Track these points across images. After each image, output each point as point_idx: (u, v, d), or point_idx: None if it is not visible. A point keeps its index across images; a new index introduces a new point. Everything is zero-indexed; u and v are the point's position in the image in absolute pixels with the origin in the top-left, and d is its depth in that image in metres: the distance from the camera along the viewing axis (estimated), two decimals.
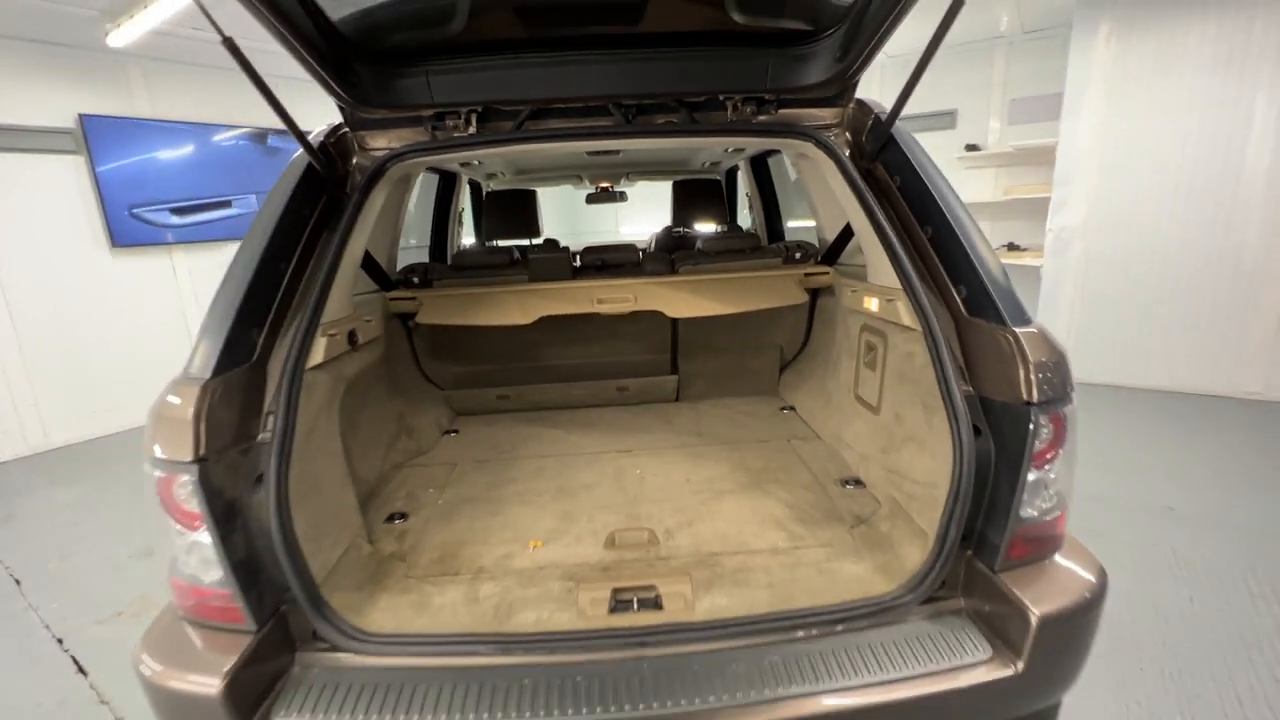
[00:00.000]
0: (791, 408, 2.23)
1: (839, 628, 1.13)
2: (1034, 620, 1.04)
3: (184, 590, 1.15)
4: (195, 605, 1.13)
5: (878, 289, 1.48)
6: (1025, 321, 1.17)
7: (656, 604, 1.23)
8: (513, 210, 2.57)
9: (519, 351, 2.35)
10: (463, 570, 1.35)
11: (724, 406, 2.29)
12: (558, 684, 1.05)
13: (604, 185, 3.50)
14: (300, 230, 1.36)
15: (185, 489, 1.07)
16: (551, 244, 2.39)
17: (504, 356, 2.34)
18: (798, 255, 2.12)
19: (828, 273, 1.99)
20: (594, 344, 2.40)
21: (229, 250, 5.42)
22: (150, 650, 1.10)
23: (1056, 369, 1.11)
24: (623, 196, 3.66)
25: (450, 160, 1.59)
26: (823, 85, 1.48)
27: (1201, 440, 3.82)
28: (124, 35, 4.13)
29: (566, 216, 8.62)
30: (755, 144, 1.75)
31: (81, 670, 2.29)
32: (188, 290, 5.38)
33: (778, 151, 2.70)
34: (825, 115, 1.62)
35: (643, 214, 8.50)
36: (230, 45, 1.19)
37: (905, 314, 1.33)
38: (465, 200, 3.20)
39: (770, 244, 2.47)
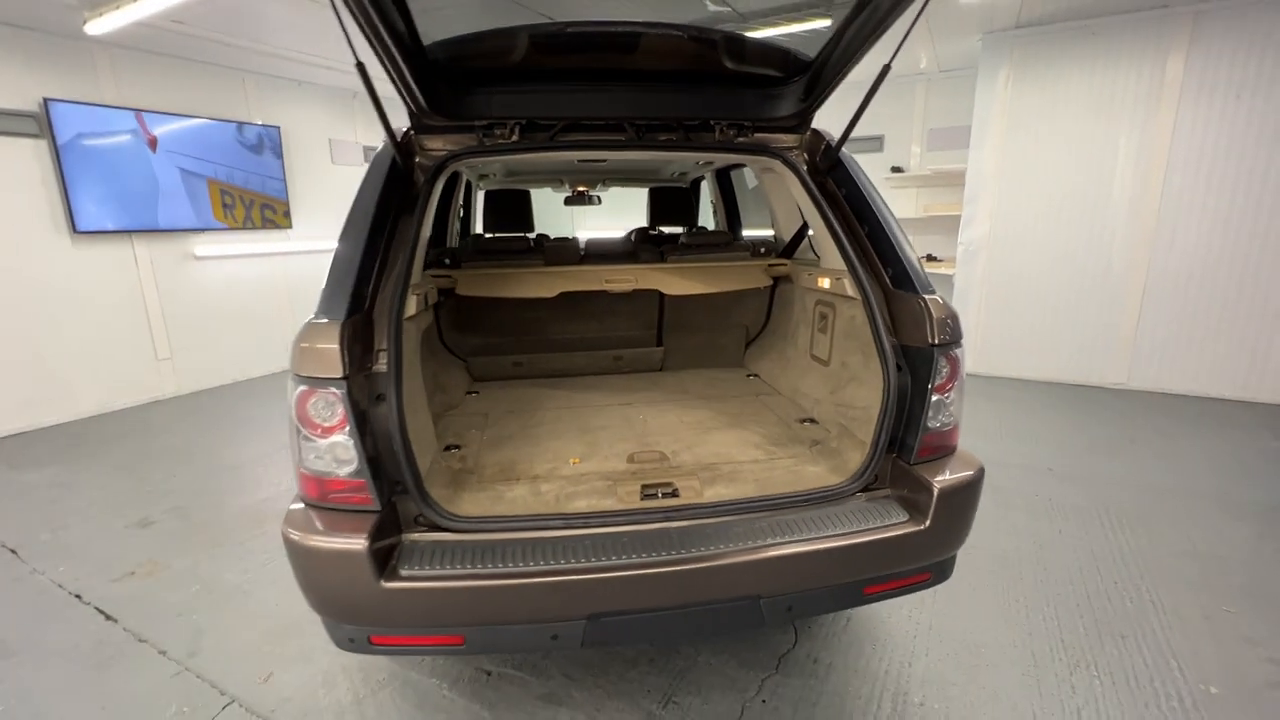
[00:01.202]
0: (755, 375, 2.71)
1: (806, 507, 1.59)
2: (935, 490, 1.53)
3: (317, 482, 1.47)
4: (328, 494, 1.46)
5: (828, 271, 1.96)
6: (931, 291, 1.68)
7: (675, 493, 1.64)
8: (511, 207, 2.93)
9: (531, 326, 2.72)
10: (522, 477, 1.72)
11: (700, 374, 2.75)
12: (609, 543, 1.45)
13: (581, 190, 3.90)
14: (387, 212, 1.70)
15: (328, 400, 1.41)
16: (544, 237, 2.76)
17: (518, 330, 2.71)
18: (762, 250, 2.61)
19: (785, 264, 2.48)
20: (594, 320, 2.81)
21: (188, 242, 5.47)
22: (297, 526, 1.41)
23: (952, 322, 1.61)
24: (597, 200, 4.07)
25: (486, 163, 1.94)
26: (789, 118, 1.96)
27: (1077, 420, 4.60)
28: (103, 25, 4.20)
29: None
30: (734, 159, 2.19)
31: (110, 618, 2.47)
32: (149, 279, 5.37)
33: (742, 165, 3.20)
34: (788, 140, 2.09)
35: (593, 219, 8.96)
36: (361, 70, 1.51)
37: (850, 288, 1.81)
38: (461, 197, 3.53)
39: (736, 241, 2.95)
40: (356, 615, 1.41)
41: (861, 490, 1.65)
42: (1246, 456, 3.92)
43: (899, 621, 2.35)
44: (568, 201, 4.10)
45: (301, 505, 1.49)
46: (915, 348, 1.64)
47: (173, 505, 3.44)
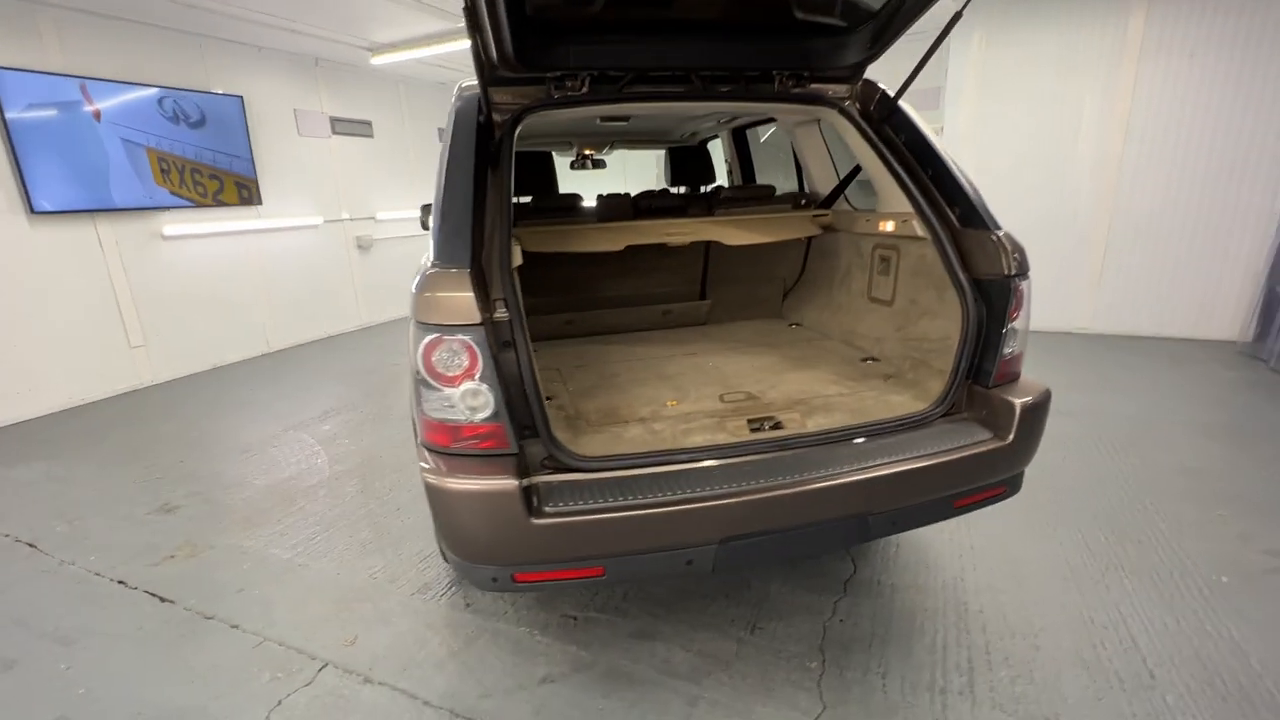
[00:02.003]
0: (798, 324, 2.82)
1: (900, 431, 1.72)
2: (1018, 407, 1.68)
3: (450, 430, 1.49)
4: (461, 440, 1.48)
5: (892, 214, 2.07)
6: (999, 227, 1.81)
7: (779, 425, 1.74)
8: (539, 169, 2.91)
9: (581, 284, 2.73)
10: (629, 420, 1.78)
11: (745, 325, 2.84)
12: (733, 472, 1.54)
13: (587, 153, 3.88)
14: (484, 163, 1.70)
15: (459, 348, 1.42)
16: (574, 196, 2.77)
17: (568, 289, 2.72)
18: (802, 201, 2.70)
19: (828, 214, 2.58)
20: (642, 277, 2.85)
21: (154, 221, 5.16)
22: (441, 473, 1.43)
23: (1021, 255, 1.74)
24: (602, 164, 4.05)
25: (544, 118, 1.93)
26: (853, 67, 2.04)
27: (1053, 362, 4.95)
28: None
29: None
30: (788, 110, 2.25)
31: (165, 600, 2.41)
32: (115, 262, 5.05)
33: (759, 123, 3.26)
34: (841, 90, 2.17)
35: (592, 184, 8.85)
36: (468, 11, 1.48)
37: (919, 228, 1.92)
38: None
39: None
40: (505, 554, 1.45)
41: (943, 415, 1.79)
42: (1206, 386, 4.33)
43: (944, 545, 2.54)
44: (573, 165, 4.07)
45: (431, 455, 1.51)
46: (990, 279, 1.77)
47: (192, 490, 3.33)
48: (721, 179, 3.81)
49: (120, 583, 2.54)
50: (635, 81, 2.00)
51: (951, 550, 2.50)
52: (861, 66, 2.07)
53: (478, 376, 1.44)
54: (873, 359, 2.23)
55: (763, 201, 2.66)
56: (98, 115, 4.82)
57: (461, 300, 1.42)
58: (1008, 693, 1.82)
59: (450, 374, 1.46)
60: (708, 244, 2.81)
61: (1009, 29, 5.46)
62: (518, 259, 1.70)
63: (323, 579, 2.51)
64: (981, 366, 1.79)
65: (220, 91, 5.62)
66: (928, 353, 1.92)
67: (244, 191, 5.83)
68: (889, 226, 2.09)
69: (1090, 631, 2.04)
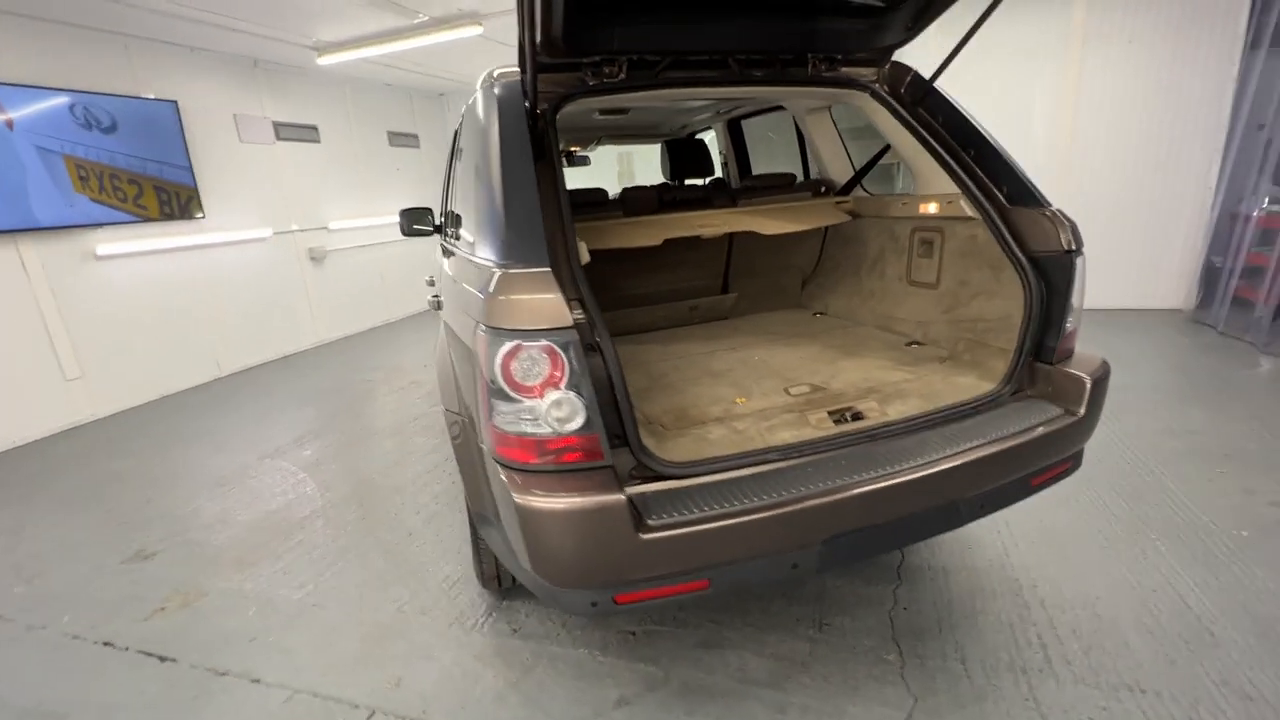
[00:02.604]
0: (822, 312, 2.79)
1: (976, 413, 1.70)
2: (1088, 382, 1.69)
3: (536, 445, 1.35)
4: (549, 455, 1.35)
5: (935, 196, 2.06)
6: (1049, 204, 1.82)
7: (860, 416, 1.68)
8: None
9: (608, 283, 2.61)
10: (705, 420, 1.68)
11: (770, 317, 2.79)
12: (830, 467, 1.47)
13: (573, 149, 3.75)
14: (537, 154, 1.57)
15: (543, 355, 1.30)
16: (600, 190, 2.66)
17: (594, 289, 2.58)
18: (822, 189, 2.67)
19: (849, 200, 2.56)
20: (667, 272, 2.75)
21: (86, 240, 4.68)
22: (535, 493, 1.30)
23: (1077, 230, 1.76)
24: (586, 160, 3.93)
25: (581, 105, 1.83)
26: (886, 49, 2.02)
27: None
28: None
29: None
30: (818, 94, 2.21)
31: (165, 659, 2.15)
32: (42, 287, 4.54)
33: (757, 113, 3.22)
34: (868, 73, 2.15)
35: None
36: None
37: (968, 208, 1.91)
38: None
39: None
40: (608, 575, 1.33)
41: (1012, 394, 1.79)
42: (1167, 351, 4.60)
43: (980, 524, 2.56)
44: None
45: (509, 473, 1.38)
46: (1046, 256, 1.77)
47: (168, 532, 3.01)
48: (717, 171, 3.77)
49: (107, 644, 2.25)
50: (671, 66, 1.91)
51: (989, 528, 2.53)
52: (894, 49, 2.05)
53: (564, 384, 1.32)
54: (917, 343, 2.22)
55: (784, 190, 2.62)
56: (10, 124, 4.32)
57: (548, 303, 1.30)
58: (1085, 665, 1.83)
59: (532, 383, 1.33)
60: (731, 236, 2.75)
61: (964, 19, 5.64)
62: (584, 255, 1.58)
63: (344, 617, 2.30)
64: (1044, 343, 1.79)
65: (151, 96, 5.16)
66: (984, 332, 1.91)
67: (175, 199, 5.33)
68: (932, 208, 2.08)
69: (1141, 596, 2.09)
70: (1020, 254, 1.78)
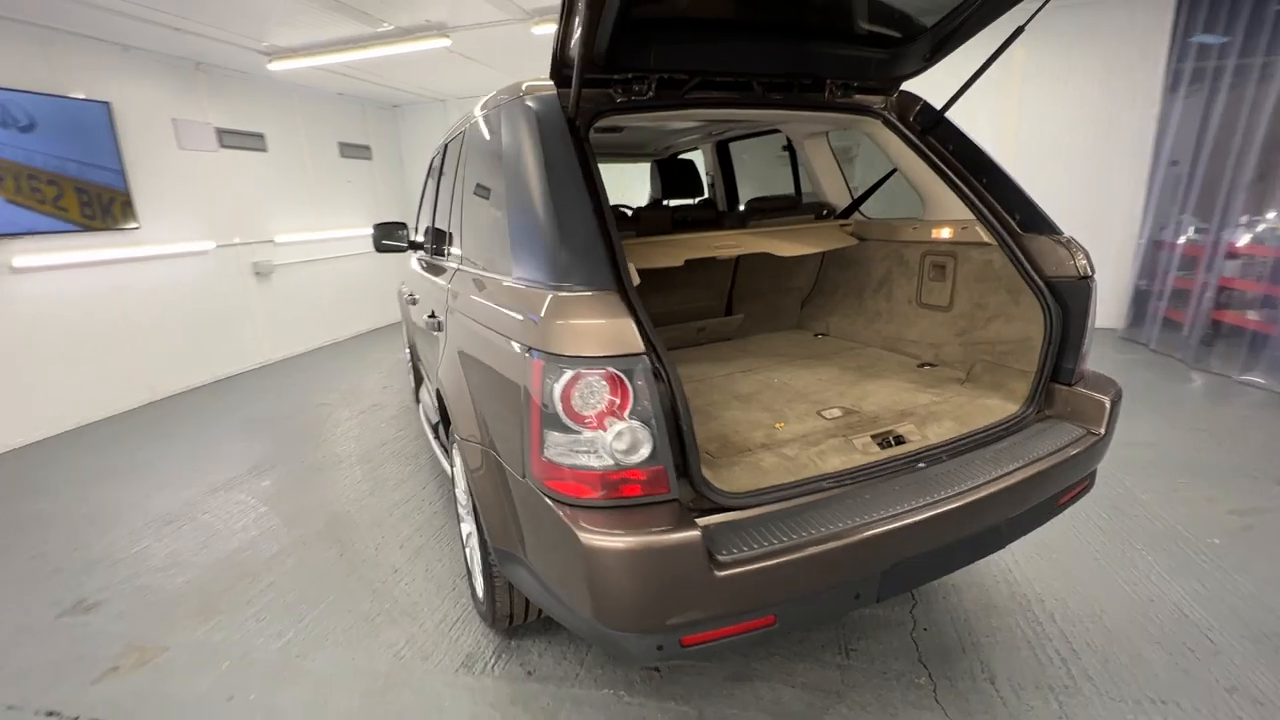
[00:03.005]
0: (823, 333, 2.81)
1: (1008, 435, 1.73)
2: (1108, 402, 1.75)
3: (596, 478, 1.27)
4: (612, 489, 1.27)
5: (948, 222, 2.11)
6: (1061, 231, 1.90)
7: (902, 440, 1.68)
8: None
9: None
10: (751, 448, 1.63)
11: (773, 338, 2.78)
12: (889, 494, 1.45)
13: None
14: (586, 170, 1.50)
15: (606, 381, 1.22)
16: (621, 207, 2.59)
17: None
18: (824, 212, 2.71)
19: (850, 224, 2.60)
20: (676, 293, 2.70)
21: (7, 249, 4.21)
22: (601, 530, 1.21)
23: (1090, 257, 1.83)
24: None
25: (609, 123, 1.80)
26: (901, 79, 2.07)
27: None
28: None
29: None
30: (833, 119, 2.23)
31: None
32: None
33: (748, 136, 3.26)
34: (877, 100, 2.20)
35: None
36: None
37: (984, 234, 1.97)
38: None
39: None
40: (678, 615, 1.25)
41: (1034, 415, 1.83)
42: (1107, 369, 4.91)
43: None
44: None
45: (564, 509, 1.29)
46: (1062, 281, 1.84)
47: (111, 579, 2.69)
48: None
49: (51, 715, 1.96)
50: (697, 87, 1.89)
51: None
52: (907, 78, 2.11)
53: (629, 413, 1.24)
54: (929, 364, 2.26)
55: (789, 212, 2.64)
56: None
57: (619, 328, 1.23)
58: (1106, 679, 1.87)
59: (593, 413, 1.25)
60: (738, 258, 2.73)
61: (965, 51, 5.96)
62: (635, 277, 1.52)
63: (335, 667, 2.10)
64: (1062, 365, 1.85)
65: (81, 96, 4.73)
66: (1003, 355, 1.96)
67: (98, 201, 4.89)
68: (945, 234, 2.14)
69: (1141, 606, 2.18)
70: (1038, 278, 1.84)
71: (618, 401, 1.24)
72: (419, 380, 4.58)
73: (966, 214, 2.01)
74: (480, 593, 2.12)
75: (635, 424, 1.25)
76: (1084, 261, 1.82)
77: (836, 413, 1.87)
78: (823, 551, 1.30)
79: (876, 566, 1.40)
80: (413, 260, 3.81)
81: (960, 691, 1.85)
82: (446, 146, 2.88)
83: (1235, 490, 2.92)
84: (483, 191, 1.90)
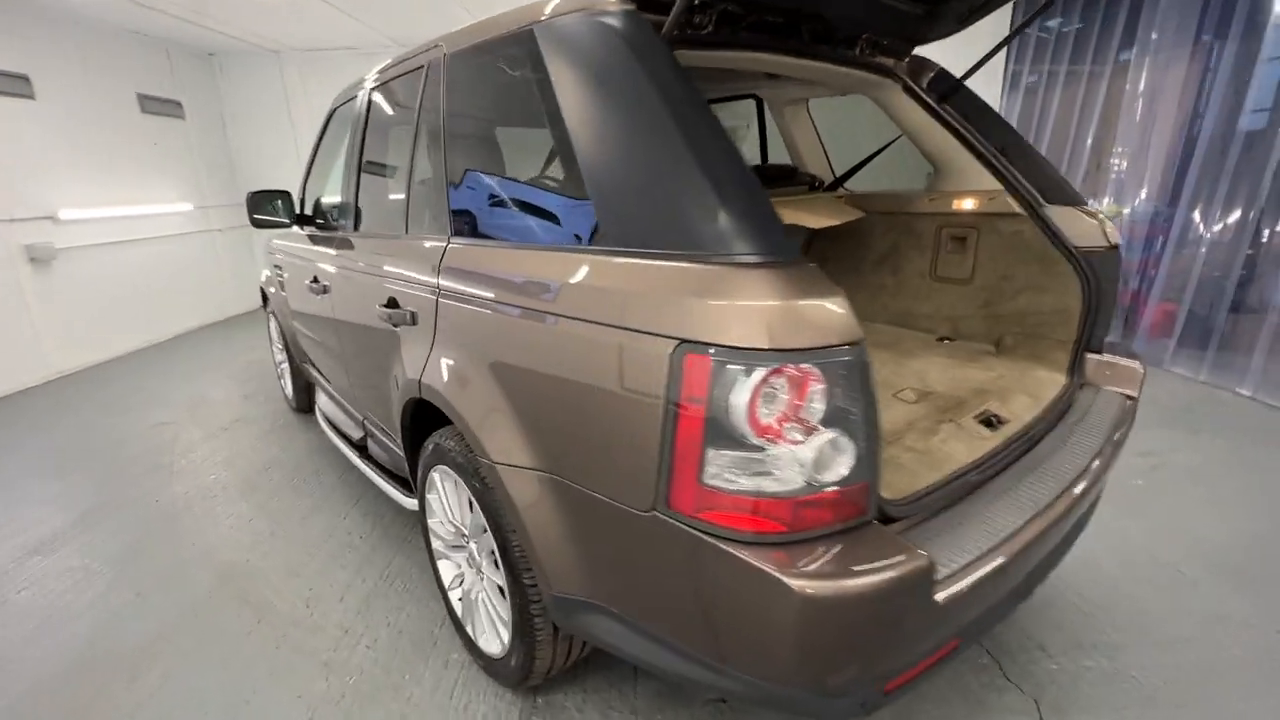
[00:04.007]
0: None
1: (1072, 407, 1.73)
2: (1140, 366, 1.83)
3: (782, 507, 0.97)
4: (804, 516, 0.98)
5: (972, 192, 2.06)
6: (1085, 201, 1.94)
7: (1001, 420, 1.58)
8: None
9: None
10: None
11: None
12: (1025, 479, 1.34)
13: None
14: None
15: (805, 382, 0.93)
16: None
17: None
18: (816, 183, 2.57)
19: (843, 195, 2.50)
20: None
21: None
22: (807, 571, 0.92)
23: (1116, 225, 1.89)
24: None
25: None
26: (929, 40, 1.96)
27: None
28: None
29: None
30: (855, 78, 2.06)
31: None
32: None
33: (719, 100, 3.01)
34: (890, 63, 2.08)
35: None
36: None
37: (1015, 204, 1.94)
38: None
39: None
40: (896, 658, 1.02)
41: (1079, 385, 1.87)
42: None
43: None
44: None
45: (738, 548, 0.99)
46: (1091, 251, 1.87)
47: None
48: None
49: None
50: (749, 28, 1.62)
51: None
52: (936, 39, 2.01)
53: (827, 419, 0.97)
54: (948, 338, 2.23)
55: (787, 182, 2.47)
56: None
57: (835, 309, 0.94)
58: (1133, 629, 1.98)
59: (782, 423, 0.96)
60: None
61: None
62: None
63: None
64: (1094, 334, 1.89)
65: None
66: (1037, 326, 1.97)
67: None
68: (969, 204, 2.09)
69: (1119, 553, 2.37)
70: (1070, 247, 1.85)
71: (817, 405, 0.95)
72: (306, 384, 3.79)
73: (990, 184, 1.98)
74: (498, 647, 1.71)
75: (836, 432, 0.97)
76: (1112, 231, 1.86)
77: (910, 395, 1.75)
78: (1018, 552, 1.15)
79: (1036, 560, 1.29)
80: (296, 239, 3.07)
81: (1021, 664, 1.85)
82: (369, 96, 2.28)
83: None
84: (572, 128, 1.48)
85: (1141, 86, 4.75)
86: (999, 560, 1.11)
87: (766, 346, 0.92)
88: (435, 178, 1.79)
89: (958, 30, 1.94)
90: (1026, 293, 1.99)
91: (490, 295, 1.41)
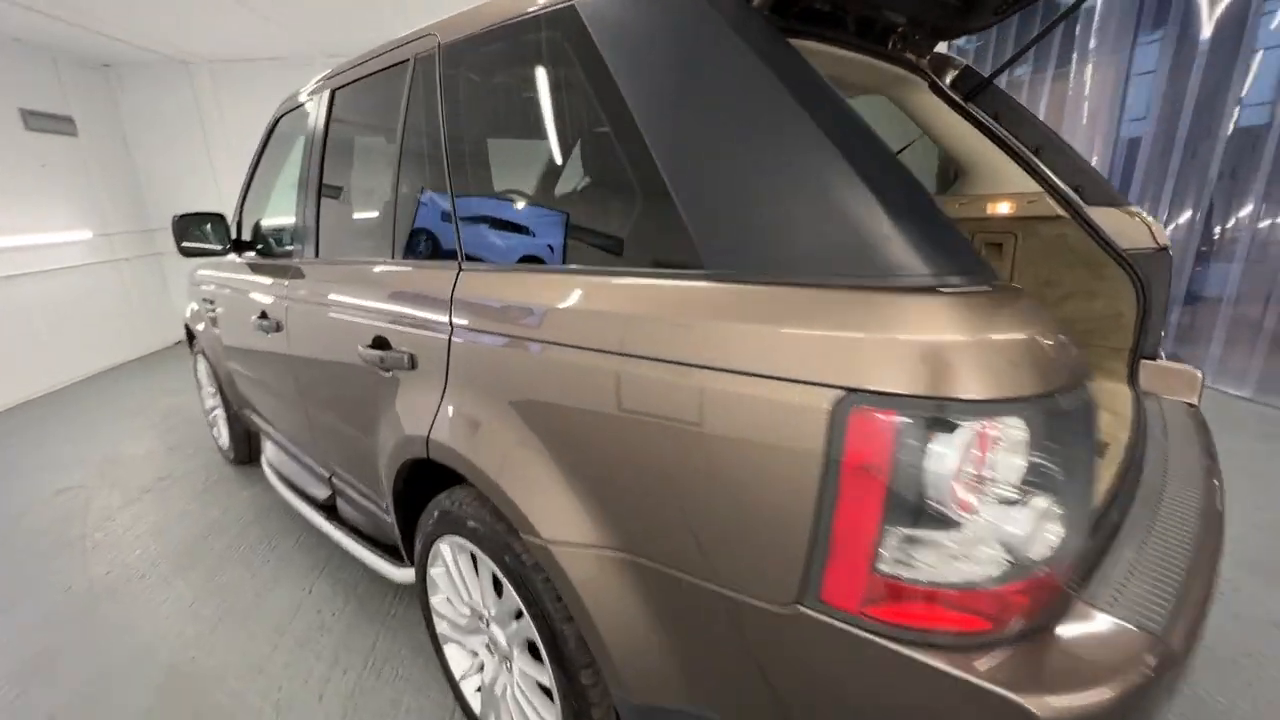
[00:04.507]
0: None
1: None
2: (1199, 372, 1.74)
3: (989, 599, 0.75)
4: (1011, 606, 0.76)
5: (1008, 195, 1.94)
6: (1129, 202, 1.85)
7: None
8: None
9: None
10: None
11: None
12: (1148, 503, 1.20)
13: None
14: None
15: (1023, 435, 0.72)
16: None
17: None
18: None
19: None
20: None
21: None
22: (1046, 691, 0.70)
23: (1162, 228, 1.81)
24: None
25: None
26: (960, 34, 1.84)
27: None
28: None
29: None
30: (883, 74, 1.90)
31: None
32: None
33: None
34: (916, 59, 1.95)
35: None
36: None
37: (1056, 206, 1.83)
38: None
39: None
40: None
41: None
42: None
43: None
44: None
45: (947, 655, 0.76)
46: (1140, 253, 1.78)
47: None
48: None
49: None
50: (799, 16, 1.44)
51: None
52: (954, 36, 1.89)
53: (1038, 483, 0.76)
54: None
55: None
56: None
57: (1057, 347, 0.74)
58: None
59: (988, 490, 0.75)
60: None
61: None
62: None
63: None
64: (1149, 339, 1.80)
65: None
66: (1087, 333, 1.86)
67: None
68: (1004, 208, 1.97)
69: None
70: (1119, 250, 1.76)
71: (1036, 464, 0.74)
72: (246, 432, 3.32)
73: (1025, 185, 1.87)
74: None
75: (1054, 496, 0.77)
76: (1160, 232, 1.78)
77: None
78: (1203, 603, 0.98)
79: None
80: (232, 269, 2.65)
81: None
82: (328, 100, 1.95)
83: None
84: (583, 140, 1.21)
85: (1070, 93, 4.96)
86: (1195, 619, 0.93)
87: (977, 396, 0.70)
88: (432, 193, 1.49)
89: (995, 23, 1.82)
90: (1074, 298, 1.89)
91: (535, 334, 1.13)
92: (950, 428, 0.71)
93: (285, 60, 6.17)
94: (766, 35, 0.93)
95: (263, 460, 2.98)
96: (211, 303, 2.95)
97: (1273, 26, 3.84)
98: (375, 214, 1.77)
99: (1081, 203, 1.85)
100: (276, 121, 2.38)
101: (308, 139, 2.04)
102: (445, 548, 1.52)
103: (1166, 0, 4.28)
